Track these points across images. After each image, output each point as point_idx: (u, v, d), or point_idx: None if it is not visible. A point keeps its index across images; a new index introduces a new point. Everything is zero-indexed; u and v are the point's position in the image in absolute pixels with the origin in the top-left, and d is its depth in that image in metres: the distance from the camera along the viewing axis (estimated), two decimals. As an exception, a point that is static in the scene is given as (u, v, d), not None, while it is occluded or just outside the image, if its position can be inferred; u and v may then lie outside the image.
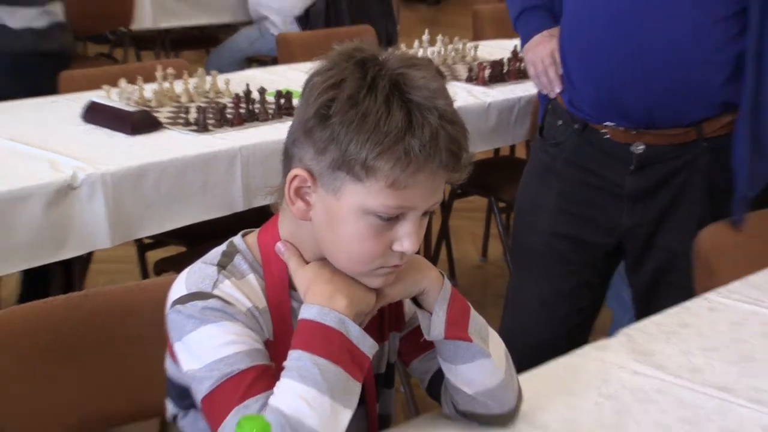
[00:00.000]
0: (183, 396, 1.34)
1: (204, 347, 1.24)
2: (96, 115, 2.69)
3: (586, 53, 2.10)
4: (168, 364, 1.35)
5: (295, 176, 1.22)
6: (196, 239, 2.73)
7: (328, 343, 1.23)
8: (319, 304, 1.25)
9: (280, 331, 1.31)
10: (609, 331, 2.44)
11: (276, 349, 1.28)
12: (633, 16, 2.02)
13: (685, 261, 2.01)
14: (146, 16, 4.83)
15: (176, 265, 2.69)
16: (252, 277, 1.32)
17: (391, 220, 1.21)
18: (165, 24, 5.10)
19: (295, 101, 2.90)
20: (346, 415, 1.22)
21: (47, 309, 1.58)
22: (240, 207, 2.59)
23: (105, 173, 2.32)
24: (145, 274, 2.96)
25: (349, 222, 1.22)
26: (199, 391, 1.24)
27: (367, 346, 1.25)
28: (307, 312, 1.24)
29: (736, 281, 1.88)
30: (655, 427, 1.38)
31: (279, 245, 1.34)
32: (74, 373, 1.55)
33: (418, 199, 1.21)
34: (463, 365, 1.34)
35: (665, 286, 2.09)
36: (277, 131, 2.75)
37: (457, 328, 1.32)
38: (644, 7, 2.02)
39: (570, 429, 1.38)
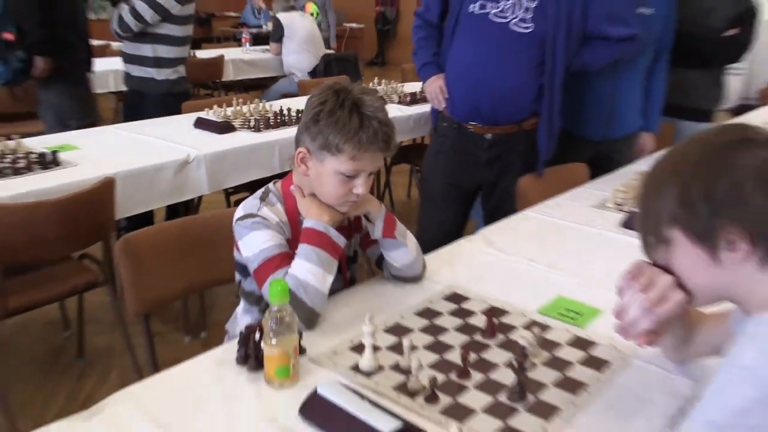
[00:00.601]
0: (243, 270, 1.57)
1: (254, 243, 1.47)
2: (201, 124, 3.28)
3: (458, 85, 2.53)
4: (235, 253, 1.59)
5: (300, 152, 1.48)
6: (255, 187, 3.17)
7: (319, 239, 1.45)
8: (314, 219, 1.47)
9: (295, 234, 1.53)
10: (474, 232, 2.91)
11: (292, 244, 1.50)
12: (485, 62, 2.44)
13: (513, 196, 2.48)
14: (230, 73, 6.00)
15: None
16: (279, 206, 1.54)
17: (351, 177, 1.45)
18: (239, 77, 6.32)
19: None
20: (330, 278, 1.45)
21: (180, 224, 1.92)
22: (277, 170, 3.09)
23: (206, 154, 2.88)
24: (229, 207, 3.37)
25: (329, 177, 1.45)
26: (252, 267, 1.48)
27: (341, 240, 1.48)
28: (307, 223, 1.48)
29: (538, 204, 2.32)
30: (497, 282, 1.70)
31: (292, 188, 1.56)
32: (193, 258, 1.85)
33: (367, 166, 1.45)
34: (392, 251, 1.60)
35: (502, 209, 2.50)
36: (294, 131, 3.24)
37: (389, 231, 1.58)
38: (490, 59, 2.42)
39: (453, 281, 1.66)
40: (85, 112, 3.69)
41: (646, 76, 2.91)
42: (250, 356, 1.29)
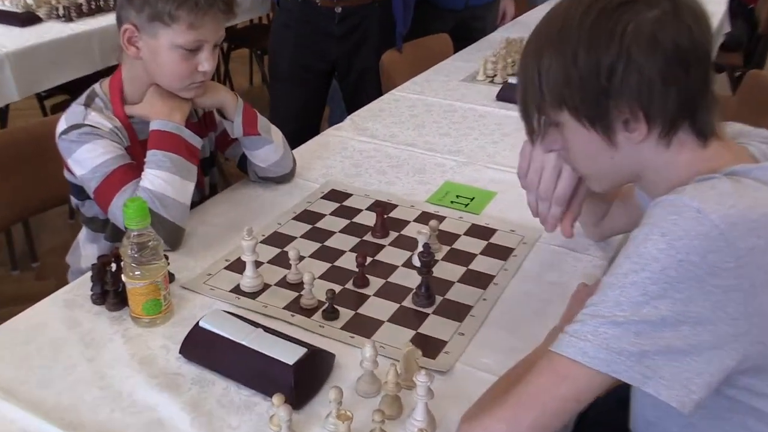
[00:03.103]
0: (80, 192, 1.44)
1: (87, 159, 1.34)
2: None
3: None
4: (66, 174, 1.45)
5: (126, 30, 1.34)
6: (75, 89, 2.75)
7: (172, 142, 1.35)
8: (162, 119, 1.37)
9: (134, 140, 1.42)
10: (330, 121, 2.81)
11: (133, 152, 1.40)
12: None
13: (372, 74, 2.44)
14: None
15: (67, 107, 2.90)
16: (109, 109, 1.41)
17: (193, 50, 1.34)
18: None
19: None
20: (190, 186, 1.36)
21: None
22: (99, 67, 2.80)
23: (8, 52, 2.55)
24: (45, 115, 3.11)
25: (166, 55, 1.34)
26: (90, 188, 1.35)
27: (196, 141, 1.40)
28: (155, 125, 1.36)
29: (406, 82, 2.28)
30: (377, 173, 1.65)
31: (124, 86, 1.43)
32: (9, 182, 1.69)
33: (209, 34, 1.34)
34: (257, 150, 1.51)
35: (363, 89, 2.48)
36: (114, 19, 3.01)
37: (251, 128, 1.48)
38: None
39: (329, 177, 1.63)
40: None
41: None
42: (109, 293, 1.16)
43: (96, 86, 1.44)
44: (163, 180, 1.31)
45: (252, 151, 1.52)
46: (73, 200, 1.51)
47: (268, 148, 1.52)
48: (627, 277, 0.79)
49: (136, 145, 1.40)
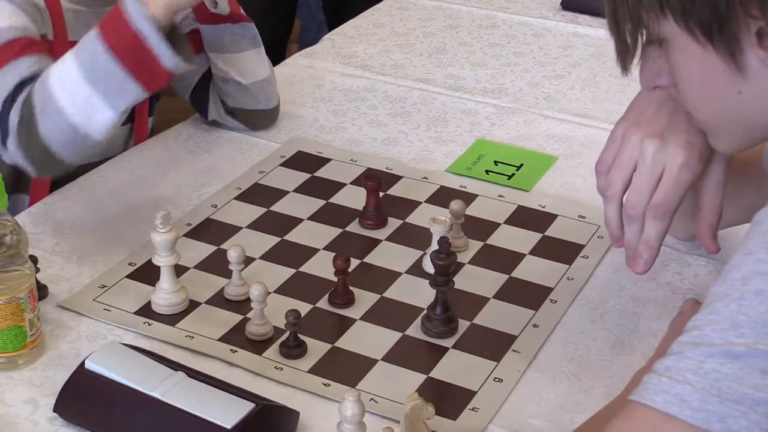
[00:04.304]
0: None
1: None
2: None
3: None
4: None
5: None
6: None
7: (124, 41, 1.27)
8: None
9: (58, 32, 1.48)
10: (299, 39, 2.90)
11: (53, 49, 1.43)
12: None
13: None
14: None
15: None
16: None
17: None
18: None
19: None
20: (106, 115, 1.31)
21: None
22: None
23: None
24: None
25: None
26: None
27: (168, 60, 1.28)
28: (122, 3, 1.30)
29: None
30: (370, 125, 1.69)
31: None
32: None
33: None
34: (240, 53, 1.58)
35: None
36: None
37: (236, 9, 1.58)
38: None
39: (296, 130, 1.66)
40: None
41: None
42: None
43: None
44: (72, 82, 1.30)
45: (232, 53, 1.58)
46: None
47: (254, 53, 1.60)
48: (749, 284, 0.81)
49: (61, 42, 1.45)
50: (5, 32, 1.37)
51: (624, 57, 1.02)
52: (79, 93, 1.29)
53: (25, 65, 1.33)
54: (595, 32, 2.04)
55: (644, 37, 1.00)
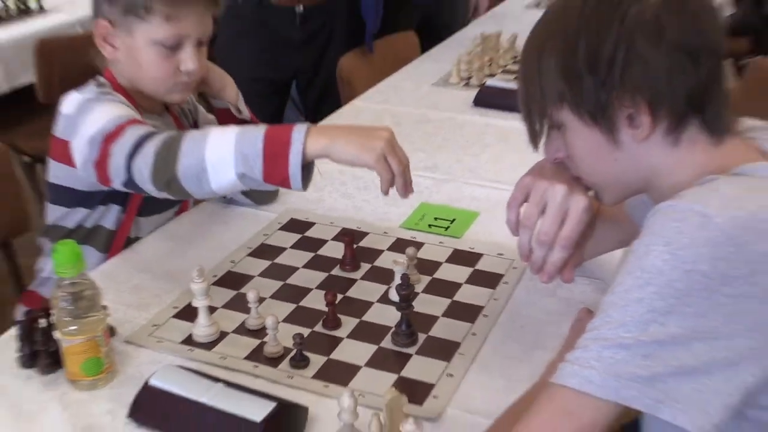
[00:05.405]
0: (68, 199, 1.45)
1: (107, 112, 1.32)
2: None
3: None
4: (54, 175, 1.44)
5: (100, 26, 1.37)
6: None
7: (276, 143, 1.17)
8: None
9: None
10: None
11: None
12: None
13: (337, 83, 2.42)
14: None
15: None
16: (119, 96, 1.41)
17: (173, 47, 1.37)
18: None
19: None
20: (228, 177, 1.20)
21: None
22: (2, 89, 2.88)
23: None
24: None
25: (144, 52, 1.37)
26: (97, 141, 1.28)
27: (295, 182, 1.18)
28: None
29: (369, 90, 2.31)
30: (342, 197, 1.67)
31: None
32: None
33: (190, 27, 1.37)
34: None
35: (326, 100, 2.51)
36: (17, 30, 3.03)
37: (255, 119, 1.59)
38: None
39: (287, 204, 1.63)
40: None
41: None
42: (40, 353, 1.15)
43: (98, 78, 1.45)
44: (224, 145, 1.19)
45: None
46: (52, 214, 1.49)
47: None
48: (630, 294, 0.83)
49: None
50: (124, 116, 1.31)
51: (534, 139, 1.04)
52: (223, 155, 1.19)
53: (142, 130, 1.26)
54: (500, 122, 2.05)
55: (548, 123, 1.02)
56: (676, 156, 0.95)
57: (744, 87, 2.45)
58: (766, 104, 2.22)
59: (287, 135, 1.17)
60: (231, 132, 1.21)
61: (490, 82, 2.29)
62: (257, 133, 1.18)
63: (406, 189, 1.20)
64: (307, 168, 1.18)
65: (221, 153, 1.19)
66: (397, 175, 1.17)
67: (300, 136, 1.16)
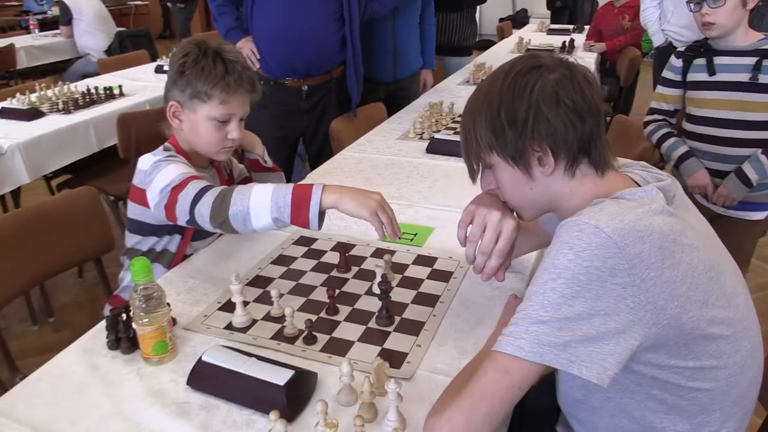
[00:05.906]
0: (141, 228, 1.40)
1: (174, 171, 1.27)
2: (7, 114, 2.79)
3: (270, 43, 2.36)
4: (131, 210, 1.40)
5: (171, 105, 1.36)
6: (76, 170, 2.86)
7: (302, 200, 1.15)
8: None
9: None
10: (293, 178, 2.74)
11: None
12: (292, 20, 2.31)
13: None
14: (23, 60, 5.21)
15: (70, 184, 2.79)
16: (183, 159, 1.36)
17: (224, 122, 1.36)
18: (34, 63, 5.42)
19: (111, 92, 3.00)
20: (265, 221, 1.17)
21: (9, 218, 1.57)
22: (95, 149, 2.76)
23: (19, 143, 2.46)
24: (52, 193, 3.00)
25: (203, 125, 1.35)
26: (166, 192, 1.24)
27: (313, 225, 1.15)
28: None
29: (352, 144, 2.27)
30: (337, 218, 1.57)
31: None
32: (30, 250, 1.55)
33: (237, 109, 1.36)
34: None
35: (324, 152, 2.48)
36: (106, 108, 2.93)
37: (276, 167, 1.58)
38: (298, 16, 2.30)
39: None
40: None
41: (419, 21, 2.92)
42: (122, 339, 1.11)
43: (165, 144, 1.40)
44: (262, 197, 1.17)
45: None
46: (131, 240, 1.45)
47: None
48: (546, 285, 0.81)
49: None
50: (186, 173, 1.27)
51: (472, 175, 1.02)
52: (262, 205, 1.17)
53: (199, 184, 1.22)
54: (446, 164, 2.02)
55: (482, 164, 0.99)
56: (573, 185, 0.94)
57: (610, 135, 2.45)
58: (626, 148, 2.29)
59: (309, 191, 1.15)
60: (268, 188, 1.18)
61: (438, 135, 2.28)
62: (287, 190, 1.17)
63: (395, 234, 1.16)
64: (321, 215, 1.16)
65: (261, 203, 1.16)
66: (386, 224, 1.14)
67: (318, 191, 1.15)
